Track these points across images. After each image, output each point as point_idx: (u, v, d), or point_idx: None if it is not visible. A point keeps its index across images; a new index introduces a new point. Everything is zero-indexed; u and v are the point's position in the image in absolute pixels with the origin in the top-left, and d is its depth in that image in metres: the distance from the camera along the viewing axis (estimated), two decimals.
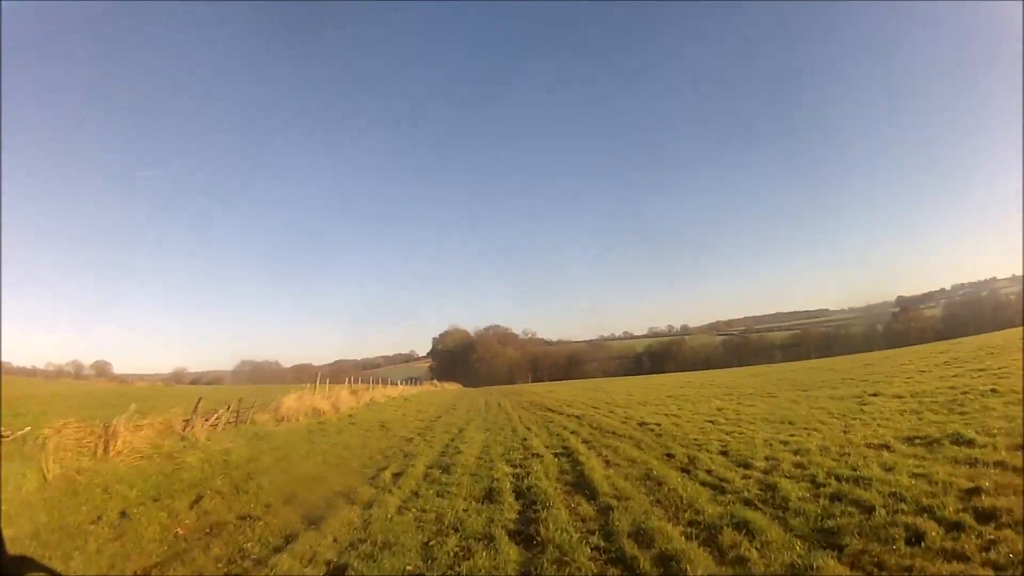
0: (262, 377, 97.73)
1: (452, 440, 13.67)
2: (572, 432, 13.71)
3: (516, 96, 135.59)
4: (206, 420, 12.19)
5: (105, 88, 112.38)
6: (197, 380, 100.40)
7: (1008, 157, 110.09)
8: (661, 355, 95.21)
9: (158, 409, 11.44)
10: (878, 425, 9.89)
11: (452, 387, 69.11)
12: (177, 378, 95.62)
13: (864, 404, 13.09)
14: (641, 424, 13.90)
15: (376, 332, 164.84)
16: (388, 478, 8.97)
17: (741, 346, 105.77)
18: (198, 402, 12.26)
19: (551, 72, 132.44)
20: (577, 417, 17.53)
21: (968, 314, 79.86)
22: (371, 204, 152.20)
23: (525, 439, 12.97)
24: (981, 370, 16.52)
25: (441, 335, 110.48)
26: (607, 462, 9.19)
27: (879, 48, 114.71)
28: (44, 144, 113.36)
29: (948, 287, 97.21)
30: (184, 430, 11.17)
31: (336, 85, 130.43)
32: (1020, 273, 77.64)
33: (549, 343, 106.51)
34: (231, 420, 13.81)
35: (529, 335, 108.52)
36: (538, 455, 10.43)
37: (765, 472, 7.32)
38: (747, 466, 7.78)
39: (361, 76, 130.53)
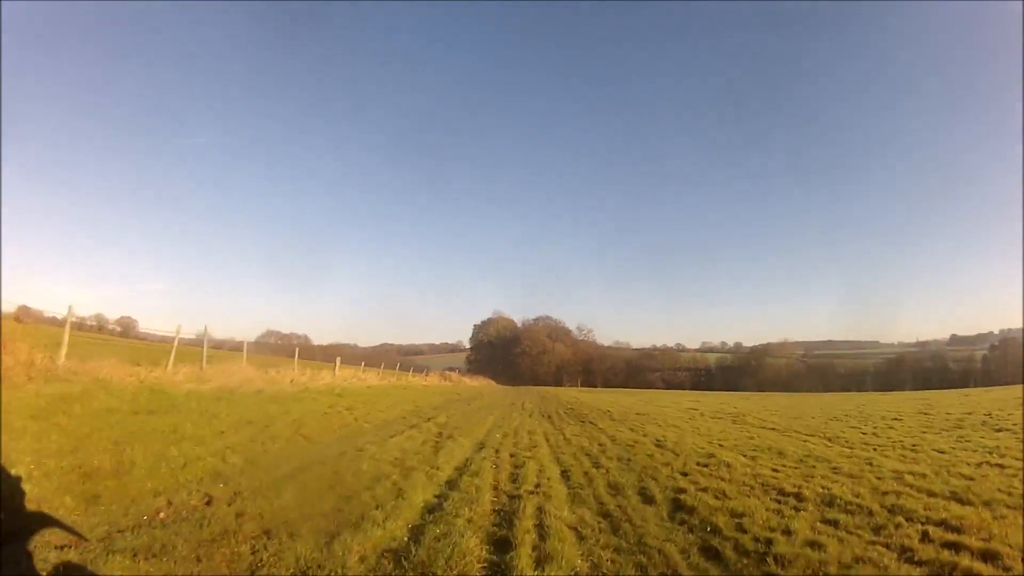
0: (286, 351, 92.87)
1: None
2: None
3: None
4: None
5: (105, 88, 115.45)
6: (219, 346, 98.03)
7: None
8: (737, 371, 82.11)
9: None
10: None
11: (477, 383, 59.37)
12: (198, 342, 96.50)
13: None
14: None
15: (424, 318, 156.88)
16: None
17: (826, 368, 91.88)
18: None
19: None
20: None
21: None
22: (419, 183, 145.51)
23: None
24: None
25: (483, 323, 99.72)
26: None
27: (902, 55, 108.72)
28: (43, 143, 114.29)
29: (996, 331, 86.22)
30: None
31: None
32: None
33: (607, 347, 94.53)
34: None
35: (585, 333, 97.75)
36: None
37: None
38: None
39: (405, 49, 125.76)
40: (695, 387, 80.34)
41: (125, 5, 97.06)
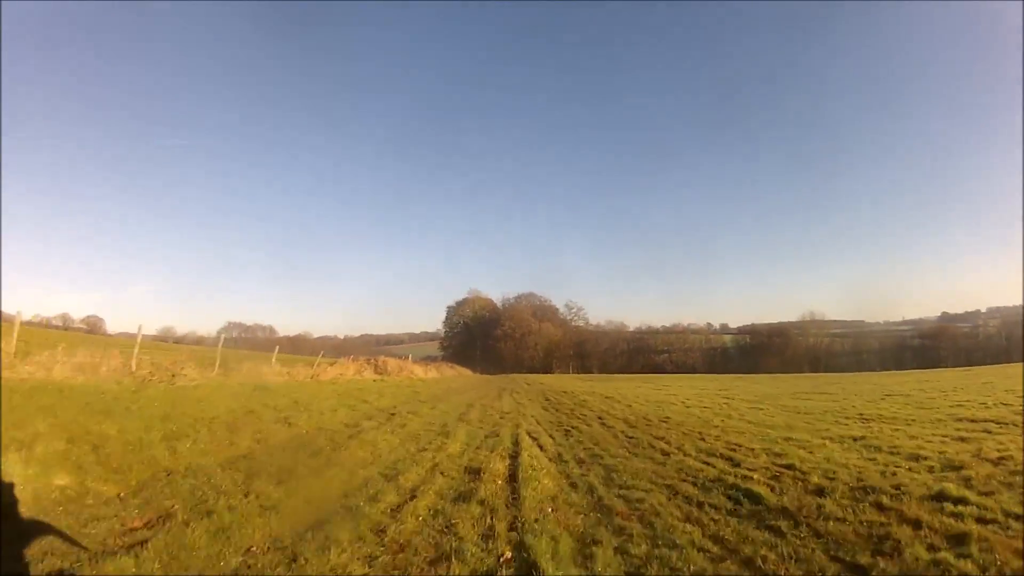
0: (250, 344, 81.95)
1: None
2: None
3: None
4: None
5: (106, 87, 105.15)
6: (181, 340, 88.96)
7: None
8: (759, 350, 69.33)
9: None
10: None
11: (450, 373, 46.21)
12: (163, 338, 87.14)
13: None
14: None
15: (405, 306, 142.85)
16: None
17: (859, 345, 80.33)
18: None
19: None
20: None
21: None
22: (398, 169, 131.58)
23: None
24: None
25: (458, 303, 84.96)
26: None
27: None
28: (43, 143, 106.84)
29: (984, 309, 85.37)
30: None
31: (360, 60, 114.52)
32: None
33: (602, 327, 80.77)
34: None
35: (575, 311, 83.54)
36: None
37: None
38: None
39: (386, 47, 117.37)
40: (711, 370, 68.02)
41: (126, 5, 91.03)
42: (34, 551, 3.58)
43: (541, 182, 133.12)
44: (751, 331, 73.30)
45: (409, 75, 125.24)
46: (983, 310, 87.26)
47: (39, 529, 3.85)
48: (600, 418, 13.29)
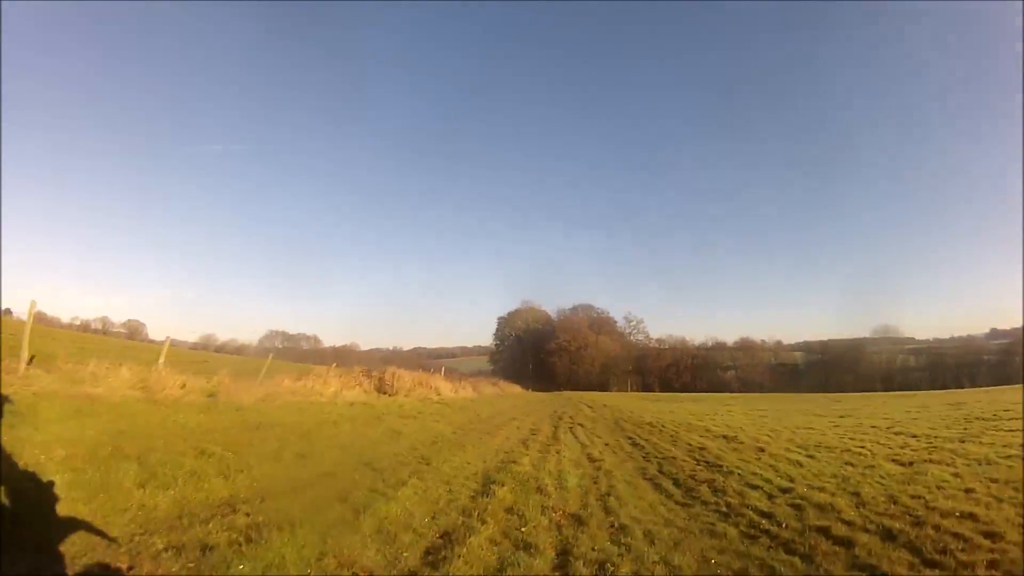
0: (293, 354, 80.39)
1: None
2: None
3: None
4: None
5: (105, 87, 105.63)
6: (222, 349, 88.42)
7: None
8: (831, 366, 65.29)
9: None
10: None
11: (500, 390, 43.02)
12: (204, 345, 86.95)
13: None
14: None
15: (458, 319, 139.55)
16: None
17: (937, 361, 76.15)
18: None
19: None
20: None
21: None
22: (426, 181, 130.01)
23: None
24: None
25: (509, 314, 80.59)
26: None
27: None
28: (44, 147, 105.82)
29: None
30: None
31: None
32: None
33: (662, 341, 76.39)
34: None
35: (635, 324, 79.44)
36: None
37: None
38: None
39: (405, 46, 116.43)
40: (776, 388, 64.38)
41: (129, 5, 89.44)
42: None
43: (591, 188, 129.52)
44: (823, 348, 68.99)
45: (438, 80, 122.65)
46: None
47: (71, 526, 3.87)
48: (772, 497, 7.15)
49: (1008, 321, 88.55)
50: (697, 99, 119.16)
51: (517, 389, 52.72)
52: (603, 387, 65.99)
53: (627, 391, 63.74)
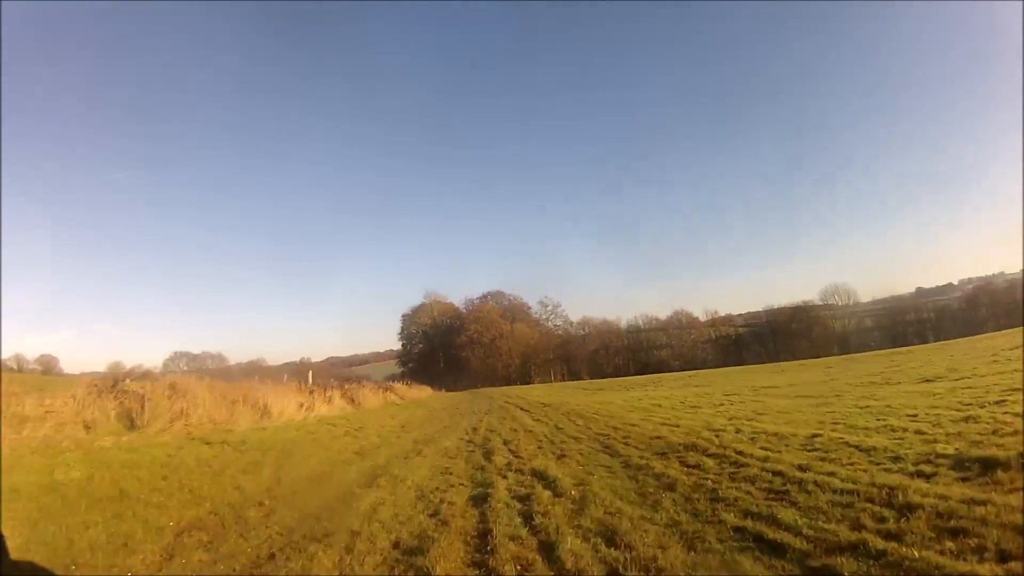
0: (201, 376, 65.96)
1: None
2: None
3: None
4: None
5: (105, 87, 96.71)
6: (128, 375, 73.07)
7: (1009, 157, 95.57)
8: (782, 335, 57.08)
9: None
10: None
11: (342, 408, 31.67)
12: (112, 375, 73.13)
13: None
14: None
15: (372, 326, 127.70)
16: None
17: (895, 319, 69.80)
18: None
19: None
20: None
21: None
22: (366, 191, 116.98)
23: None
24: None
25: (412, 311, 70.80)
26: None
27: (879, 47, 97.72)
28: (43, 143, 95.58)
29: (956, 281, 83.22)
30: None
31: (328, 83, 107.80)
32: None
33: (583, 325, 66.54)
34: None
35: (550, 308, 69.45)
36: None
37: None
38: None
39: (357, 74, 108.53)
40: (723, 363, 55.93)
41: (125, 5, 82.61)
42: None
43: (509, 168, 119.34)
44: (769, 314, 60.61)
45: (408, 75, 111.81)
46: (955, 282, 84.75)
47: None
48: None
49: (932, 280, 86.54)
50: None
51: (426, 392, 42.73)
52: (525, 379, 56.23)
53: (552, 382, 54.00)
